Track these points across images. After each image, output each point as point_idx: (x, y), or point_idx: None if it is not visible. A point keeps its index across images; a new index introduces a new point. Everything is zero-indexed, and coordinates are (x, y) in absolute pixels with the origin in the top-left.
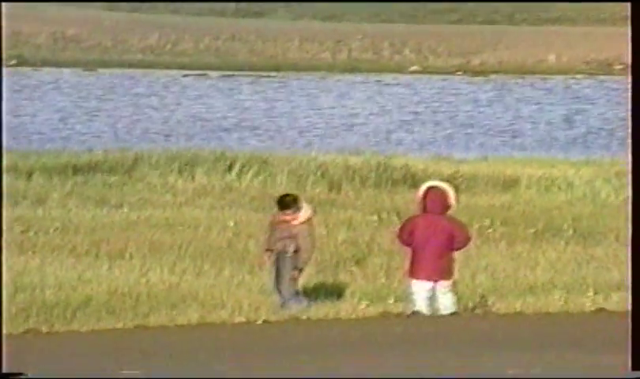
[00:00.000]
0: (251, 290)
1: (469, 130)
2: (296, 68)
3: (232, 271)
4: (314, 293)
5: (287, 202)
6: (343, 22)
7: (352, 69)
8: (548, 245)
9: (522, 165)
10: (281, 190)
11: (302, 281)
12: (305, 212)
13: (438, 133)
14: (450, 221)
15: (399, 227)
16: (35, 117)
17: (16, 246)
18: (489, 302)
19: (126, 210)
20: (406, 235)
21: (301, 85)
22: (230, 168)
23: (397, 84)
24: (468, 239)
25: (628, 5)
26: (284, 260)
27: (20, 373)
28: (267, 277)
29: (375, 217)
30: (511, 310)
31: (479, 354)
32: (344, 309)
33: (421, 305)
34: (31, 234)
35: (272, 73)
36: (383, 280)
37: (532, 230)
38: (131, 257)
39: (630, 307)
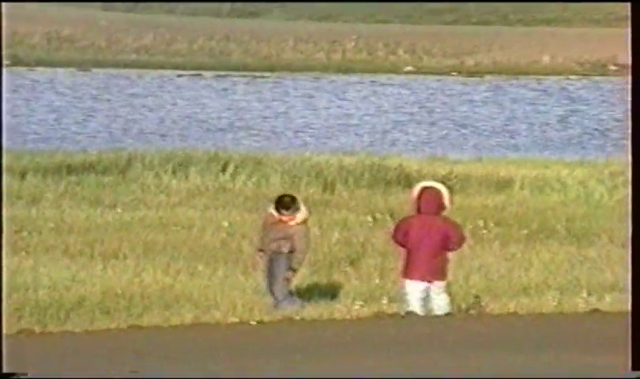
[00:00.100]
0: (245, 290)
1: (464, 131)
2: (291, 68)
3: (226, 271)
4: (308, 293)
5: (286, 202)
6: (337, 23)
7: (347, 70)
8: (542, 245)
9: (516, 166)
10: (275, 191)
11: (296, 282)
12: (302, 213)
13: (432, 133)
14: (445, 221)
15: (393, 227)
16: (29, 117)
17: (9, 246)
18: (483, 303)
19: (119, 210)
20: (400, 236)
21: (295, 86)
22: (224, 169)
23: (392, 85)
24: (462, 240)
25: (627, 5)
26: (277, 261)
27: (21, 373)
28: (261, 278)
29: (369, 218)
30: (505, 311)
31: (473, 354)
32: (338, 309)
33: (415, 305)
34: (24, 234)
35: (267, 74)
36: (377, 281)
37: (526, 231)
38: (125, 257)
39: (630, 307)
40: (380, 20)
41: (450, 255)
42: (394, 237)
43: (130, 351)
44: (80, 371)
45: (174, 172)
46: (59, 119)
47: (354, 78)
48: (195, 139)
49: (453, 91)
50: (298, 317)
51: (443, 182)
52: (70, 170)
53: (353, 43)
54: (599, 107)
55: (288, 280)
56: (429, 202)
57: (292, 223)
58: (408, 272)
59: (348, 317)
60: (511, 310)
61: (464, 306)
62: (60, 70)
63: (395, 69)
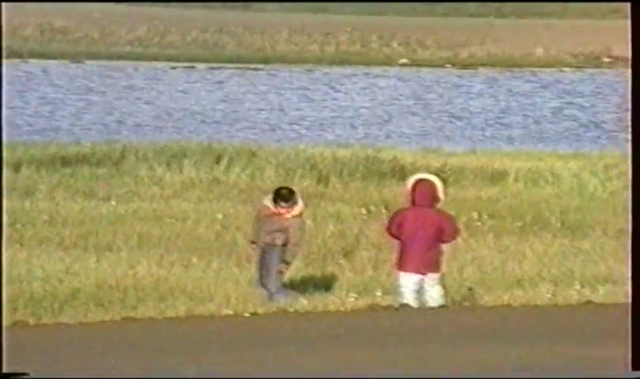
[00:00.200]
0: (239, 282)
1: (458, 123)
2: (284, 60)
3: (220, 263)
4: (302, 286)
5: (285, 195)
6: (331, 14)
7: (341, 62)
8: (536, 237)
9: (510, 158)
10: (269, 183)
11: (290, 274)
12: (299, 206)
13: (426, 125)
14: (439, 214)
15: (387, 219)
16: (22, 109)
17: (3, 238)
18: (477, 295)
19: (113, 203)
20: (395, 228)
21: (289, 78)
22: (218, 161)
23: (386, 77)
24: (456, 232)
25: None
26: (271, 253)
27: (21, 373)
28: (255, 270)
29: (363, 210)
30: (499, 303)
31: (467, 346)
32: (332, 301)
33: (409, 297)
34: (18, 226)
35: (261, 66)
36: (371, 273)
37: (520, 223)
38: (119, 249)
39: (629, 307)
40: (374, 12)
41: (444, 247)
42: (388, 229)
43: (124, 344)
44: (74, 363)
45: (168, 164)
46: (53, 111)
47: (348, 70)
48: (189, 131)
49: (447, 83)
50: (292, 309)
51: (437, 175)
52: (64, 162)
53: (347, 35)
54: (593, 100)
55: (281, 273)
56: (423, 194)
57: (289, 215)
58: (402, 265)
59: (342, 309)
60: (505, 302)
61: (458, 298)
62: (53, 62)
63: (389, 62)
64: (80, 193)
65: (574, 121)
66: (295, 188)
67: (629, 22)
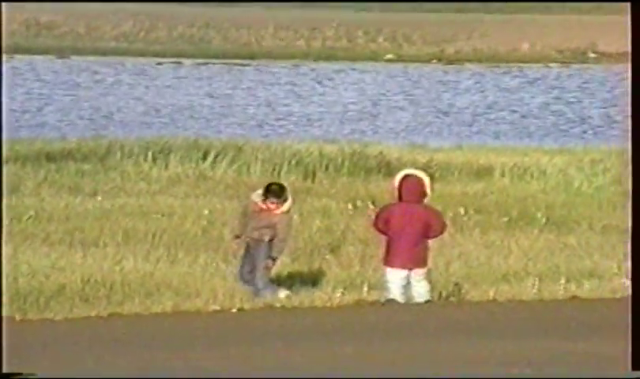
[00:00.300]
0: (226, 278)
1: (444, 118)
2: (271, 56)
3: (207, 259)
4: (289, 281)
5: (275, 191)
6: (317, 10)
7: (327, 57)
8: (522, 233)
9: (496, 153)
10: (256, 179)
11: (277, 269)
12: (288, 203)
13: (413, 121)
14: (426, 209)
15: (374, 215)
16: (7, 104)
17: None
18: (463, 290)
19: (99, 198)
20: (382, 223)
21: (276, 73)
22: (204, 156)
23: (372, 72)
24: (443, 228)
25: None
26: (257, 249)
27: (21, 373)
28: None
29: (350, 205)
30: (485, 298)
31: (453, 341)
32: (319, 297)
33: (395, 293)
34: (4, 222)
35: (247, 61)
36: (358, 268)
37: (506, 219)
38: (105, 245)
39: (630, 307)
40: (360, 7)
41: (431, 242)
42: (375, 225)
43: (111, 339)
44: (60, 359)
45: (154, 160)
46: (39, 107)
47: (334, 66)
48: (176, 127)
49: (433, 78)
50: (279, 305)
51: (424, 170)
52: (50, 158)
53: (333, 31)
54: (579, 95)
55: (268, 269)
56: (410, 190)
57: (278, 211)
58: (389, 260)
59: (328, 304)
60: (491, 297)
61: (444, 294)
62: (38, 57)
63: (375, 57)
64: (66, 189)
65: (560, 116)
66: (285, 184)
67: (628, 19)
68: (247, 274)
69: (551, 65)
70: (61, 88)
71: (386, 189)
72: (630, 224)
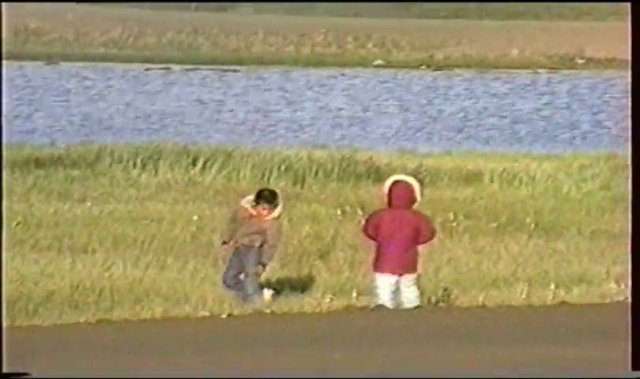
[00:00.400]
0: (215, 284)
1: (433, 124)
2: (260, 61)
3: (196, 265)
4: (279, 286)
5: (267, 196)
6: (306, 16)
7: (316, 63)
8: (511, 238)
9: (485, 159)
10: (245, 185)
11: (267, 275)
12: (279, 209)
13: (402, 127)
14: (416, 215)
15: (364, 220)
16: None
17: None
18: (452, 296)
19: (88, 204)
20: (371, 229)
21: (265, 79)
22: (194, 162)
23: (361, 78)
24: (433, 233)
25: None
26: (248, 255)
27: (21, 373)
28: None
29: (339, 211)
30: (474, 303)
31: (442, 347)
32: (308, 302)
33: (385, 298)
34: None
35: (236, 67)
36: (347, 274)
37: (495, 224)
38: (94, 251)
39: (630, 308)
40: (349, 13)
41: (420, 248)
42: (365, 230)
43: (99, 346)
44: (48, 366)
45: (143, 166)
46: (27, 113)
47: (324, 71)
48: (165, 132)
49: (422, 84)
50: (268, 311)
51: (414, 176)
52: (39, 163)
53: (322, 37)
54: (567, 101)
55: (257, 274)
56: (400, 196)
57: (269, 217)
58: (379, 266)
59: (318, 310)
60: (480, 303)
61: (433, 299)
62: (27, 64)
63: (364, 63)
64: (55, 195)
65: (548, 122)
66: (277, 190)
67: (628, 24)
68: (231, 279)
69: (540, 70)
70: (50, 94)
71: (376, 194)
72: (630, 225)
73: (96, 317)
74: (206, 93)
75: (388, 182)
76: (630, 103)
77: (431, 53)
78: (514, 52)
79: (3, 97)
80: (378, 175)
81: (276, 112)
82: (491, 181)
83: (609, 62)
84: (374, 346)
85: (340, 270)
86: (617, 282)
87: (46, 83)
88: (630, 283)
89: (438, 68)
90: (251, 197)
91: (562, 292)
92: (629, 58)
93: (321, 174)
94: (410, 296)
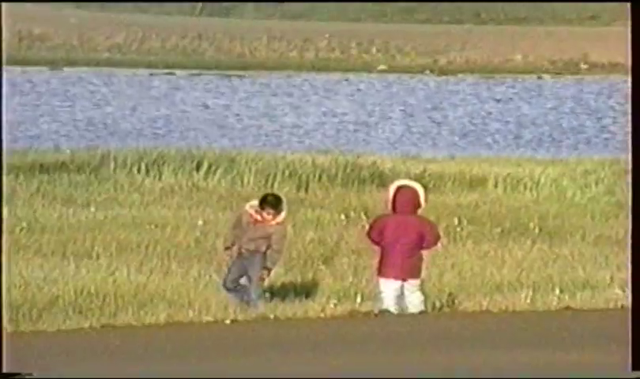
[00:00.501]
0: (219, 289)
1: (437, 129)
2: (264, 66)
3: (200, 270)
4: (283, 292)
5: (272, 202)
6: (310, 21)
7: (320, 68)
8: (515, 243)
9: (489, 164)
10: (249, 189)
11: (270, 280)
12: (284, 214)
13: (406, 132)
14: (420, 220)
15: (368, 225)
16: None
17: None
18: (456, 301)
19: (92, 209)
20: (375, 234)
21: (269, 84)
22: (198, 167)
23: (366, 83)
24: (437, 239)
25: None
26: (253, 260)
27: (21, 373)
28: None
29: (343, 216)
30: (478, 309)
31: (446, 352)
32: (312, 308)
33: (389, 304)
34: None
35: (240, 72)
36: (351, 279)
37: (499, 229)
38: (98, 256)
39: (630, 308)
40: (353, 18)
41: (425, 253)
42: (369, 235)
43: (104, 351)
44: (53, 371)
45: (147, 171)
46: (32, 118)
47: (328, 76)
48: (169, 137)
49: (426, 89)
50: (272, 316)
51: (418, 181)
52: (43, 169)
53: (326, 42)
54: (571, 106)
55: (262, 279)
56: (405, 201)
57: (273, 222)
58: (383, 271)
59: (322, 315)
60: (484, 308)
61: (437, 304)
62: (31, 69)
63: (368, 68)
64: (59, 200)
65: (553, 127)
66: (281, 195)
67: (620, 29)
68: (231, 282)
69: (544, 75)
70: (54, 99)
71: (380, 199)
72: (630, 225)
73: (100, 322)
74: (210, 98)
75: (392, 188)
76: (630, 102)
77: (434, 58)
78: (518, 57)
79: (7, 102)
80: (382, 180)
81: (279, 117)
82: (495, 186)
83: (613, 67)
84: (378, 351)
85: (344, 275)
86: (621, 287)
87: (50, 88)
88: (630, 282)
89: (442, 73)
90: (255, 202)
91: (566, 297)
92: (629, 58)
93: (325, 179)
94: (414, 301)
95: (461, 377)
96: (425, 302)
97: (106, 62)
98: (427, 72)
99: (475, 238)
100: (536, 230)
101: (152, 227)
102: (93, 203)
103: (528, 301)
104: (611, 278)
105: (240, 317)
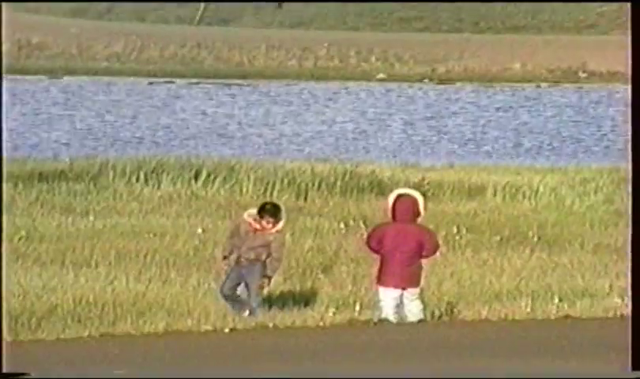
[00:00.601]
0: (218, 298)
1: (436, 138)
2: (263, 75)
3: (199, 279)
4: (282, 300)
5: (271, 210)
6: (309, 29)
7: (319, 77)
8: (514, 252)
9: (488, 172)
10: (248, 198)
11: (269, 288)
12: (282, 222)
13: (405, 140)
14: (420, 229)
15: (367, 234)
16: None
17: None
18: (455, 310)
19: (91, 218)
20: (375, 243)
21: (268, 93)
22: (196, 176)
23: (364, 92)
24: (437, 247)
25: (595, 11)
26: (253, 269)
27: (21, 373)
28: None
29: (342, 225)
30: (477, 317)
31: (445, 361)
32: (311, 316)
33: (388, 312)
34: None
35: (239, 81)
36: (350, 288)
37: (498, 238)
38: (97, 265)
39: (630, 308)
40: (352, 27)
41: (424, 262)
42: (369, 244)
43: (102, 359)
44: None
45: (146, 179)
46: (31, 127)
47: (326, 85)
48: (168, 146)
49: (425, 98)
50: (271, 324)
51: (416, 189)
52: (42, 177)
53: (325, 50)
54: (570, 114)
55: (262, 288)
56: (404, 210)
57: (273, 230)
58: (382, 280)
59: (321, 324)
60: (483, 317)
61: (436, 313)
62: (30, 78)
63: (367, 77)
64: (58, 209)
65: (551, 135)
66: (280, 203)
67: (626, 38)
68: (228, 289)
69: (543, 84)
70: (53, 108)
71: (379, 208)
72: (630, 233)
73: (99, 330)
74: (209, 107)
75: (392, 196)
76: (630, 109)
77: (433, 67)
78: (516, 66)
79: (6, 111)
80: (380, 189)
81: (279, 125)
82: (494, 194)
83: (612, 76)
84: (377, 360)
85: (344, 284)
86: (620, 296)
87: (49, 97)
88: (630, 281)
89: (441, 81)
90: (254, 211)
91: (565, 306)
92: (629, 65)
93: (324, 187)
94: (413, 310)
95: None
96: (424, 310)
97: (105, 71)
98: (426, 80)
99: (474, 247)
100: (535, 239)
101: (151, 235)
102: (92, 212)
103: (528, 309)
104: (611, 286)
105: (239, 326)
